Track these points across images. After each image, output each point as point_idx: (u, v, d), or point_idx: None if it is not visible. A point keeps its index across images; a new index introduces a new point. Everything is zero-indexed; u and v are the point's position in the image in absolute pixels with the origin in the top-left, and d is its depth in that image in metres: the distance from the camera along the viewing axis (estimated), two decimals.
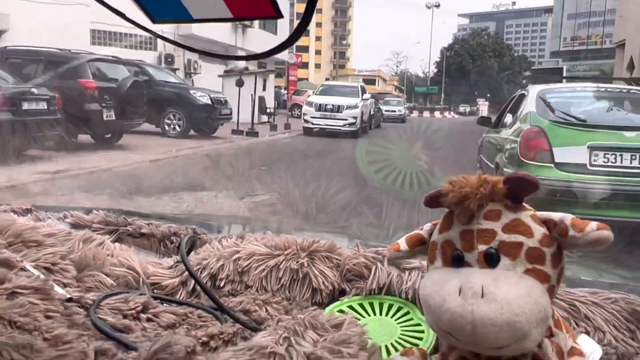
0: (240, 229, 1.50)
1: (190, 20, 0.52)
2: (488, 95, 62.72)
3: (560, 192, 3.96)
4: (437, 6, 72.35)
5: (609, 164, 4.10)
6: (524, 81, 75.68)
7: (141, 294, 0.84)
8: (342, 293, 0.94)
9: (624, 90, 5.29)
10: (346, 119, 15.43)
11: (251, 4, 0.49)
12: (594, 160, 4.10)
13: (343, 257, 0.96)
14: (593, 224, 0.60)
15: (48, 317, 0.69)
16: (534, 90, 5.01)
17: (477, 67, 76.34)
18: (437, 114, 45.54)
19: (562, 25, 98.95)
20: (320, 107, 15.69)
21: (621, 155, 4.06)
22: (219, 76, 19.38)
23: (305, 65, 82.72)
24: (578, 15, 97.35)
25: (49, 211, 1.24)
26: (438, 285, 0.61)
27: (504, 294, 0.57)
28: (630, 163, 4.06)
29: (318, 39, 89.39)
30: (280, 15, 0.49)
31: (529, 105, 4.74)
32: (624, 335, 0.79)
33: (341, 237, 1.45)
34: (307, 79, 71.75)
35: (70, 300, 0.78)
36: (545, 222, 0.63)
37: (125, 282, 0.92)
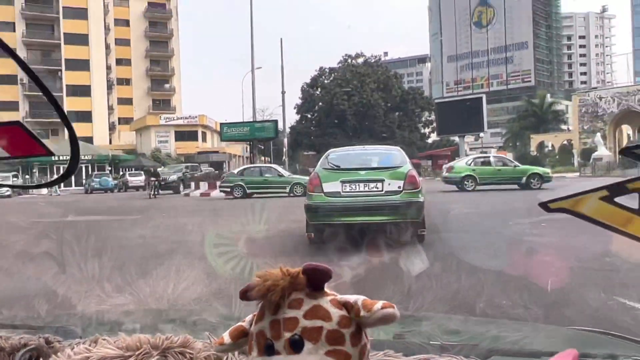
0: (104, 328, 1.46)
1: None
2: None
3: (327, 208, 7.25)
4: None
5: (351, 190, 7.34)
6: (421, 127, 53.52)
7: None
8: None
9: (368, 149, 9.45)
10: None
11: None
12: (344, 189, 7.33)
13: (195, 350, 0.99)
14: (379, 304, 0.66)
15: None
16: (327, 153, 8.59)
17: (355, 105, 51.50)
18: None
19: (443, 69, 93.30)
20: None
21: (358, 184, 7.36)
22: None
23: (86, 117, 51.58)
24: (459, 57, 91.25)
25: None
26: None
27: None
28: (363, 189, 7.34)
29: (124, 82, 61.91)
30: None
31: (320, 160, 8.38)
32: None
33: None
34: (91, 138, 50.23)
35: None
36: (345, 305, 0.68)
37: None
